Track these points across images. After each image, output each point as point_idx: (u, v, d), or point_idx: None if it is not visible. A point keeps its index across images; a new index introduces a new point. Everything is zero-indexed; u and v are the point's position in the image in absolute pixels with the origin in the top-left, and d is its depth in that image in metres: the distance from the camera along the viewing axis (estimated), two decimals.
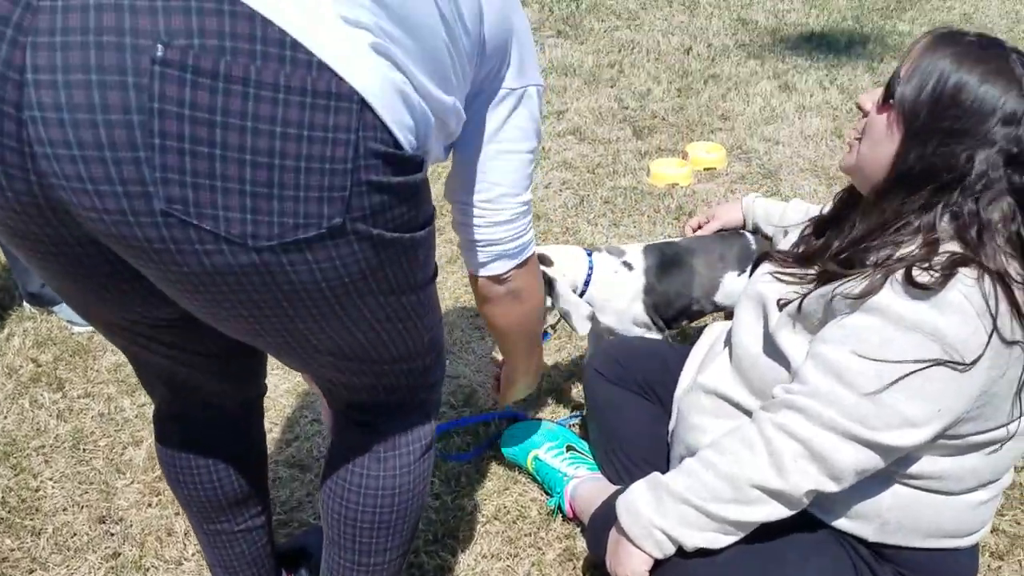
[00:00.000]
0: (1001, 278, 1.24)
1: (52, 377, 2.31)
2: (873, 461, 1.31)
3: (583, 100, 4.21)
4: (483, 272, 1.38)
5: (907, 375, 1.24)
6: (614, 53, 4.94)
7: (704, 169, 3.49)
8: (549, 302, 1.87)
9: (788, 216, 1.91)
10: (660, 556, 1.38)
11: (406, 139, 0.92)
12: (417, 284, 1.09)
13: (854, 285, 1.31)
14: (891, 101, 1.33)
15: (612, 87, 4.42)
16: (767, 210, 1.96)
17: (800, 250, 1.52)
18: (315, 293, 0.94)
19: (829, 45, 5.15)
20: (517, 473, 1.99)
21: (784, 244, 1.64)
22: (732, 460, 1.33)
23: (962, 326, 1.22)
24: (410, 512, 1.31)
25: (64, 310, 2.51)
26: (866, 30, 5.50)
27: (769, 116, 4.06)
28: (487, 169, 1.28)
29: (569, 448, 1.93)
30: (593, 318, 1.92)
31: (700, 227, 2.08)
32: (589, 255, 1.93)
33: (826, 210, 1.58)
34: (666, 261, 1.95)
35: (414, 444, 1.29)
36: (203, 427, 1.36)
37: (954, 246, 1.26)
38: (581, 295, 1.91)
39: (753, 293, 1.51)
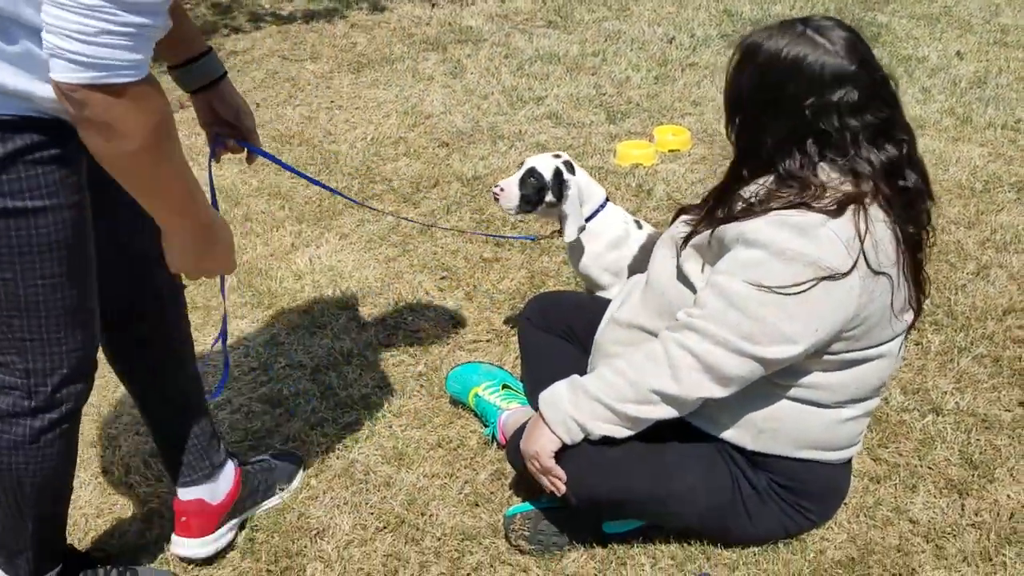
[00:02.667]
0: (875, 213, 1.53)
1: None
2: (757, 371, 1.58)
3: (563, 87, 4.45)
4: (51, 72, 1.15)
5: (787, 297, 1.51)
6: (599, 42, 5.17)
7: (669, 151, 3.73)
8: (550, 197, 2.20)
9: None
10: (568, 442, 1.66)
11: None
12: None
13: (744, 225, 1.57)
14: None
15: (593, 75, 4.65)
16: None
17: (704, 204, 1.78)
18: None
19: None
20: (460, 410, 2.25)
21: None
22: (639, 369, 1.61)
23: (834, 252, 1.50)
24: (12, 487, 1.49)
25: None
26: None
27: None
28: None
29: (504, 387, 2.19)
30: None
31: None
32: (607, 199, 2.25)
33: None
34: None
35: (16, 428, 1.45)
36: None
37: (847, 187, 1.53)
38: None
39: (668, 237, 1.79)
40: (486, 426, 2.16)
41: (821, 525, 1.87)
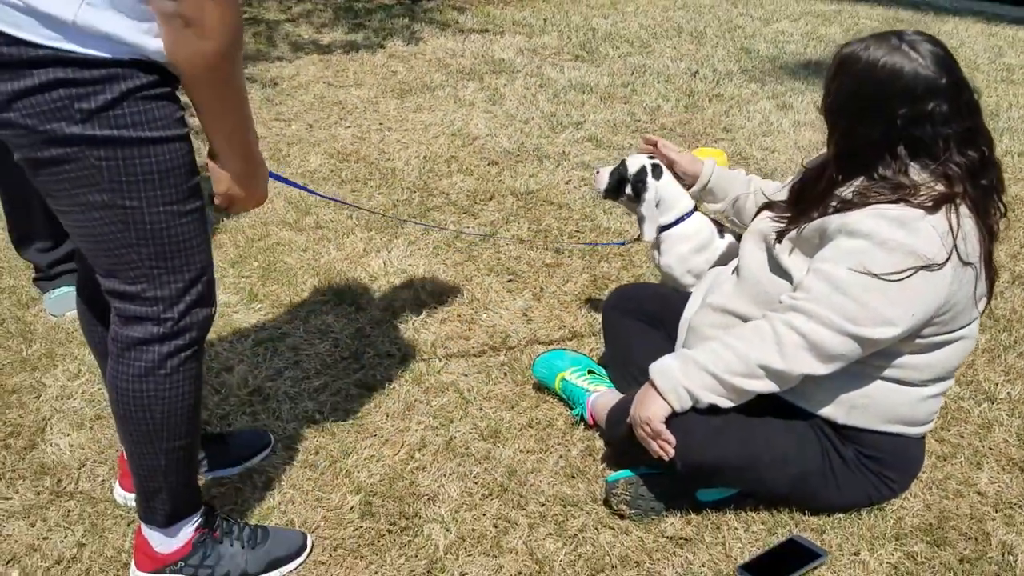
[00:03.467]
0: (964, 211, 1.70)
1: None
2: (856, 351, 1.74)
3: (599, 114, 4.67)
4: None
5: (888, 283, 1.67)
6: (627, 75, 5.41)
7: None
8: (629, 191, 2.37)
9: (737, 186, 2.31)
10: (678, 409, 1.81)
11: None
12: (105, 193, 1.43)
13: (847, 217, 1.73)
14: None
15: (625, 103, 4.87)
16: (725, 178, 2.34)
17: (792, 200, 1.94)
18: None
19: (825, 71, 5.59)
20: (545, 394, 2.40)
21: (778, 197, 2.06)
22: (747, 344, 1.76)
23: (931, 243, 1.66)
24: (144, 417, 1.62)
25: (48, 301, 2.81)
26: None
27: (767, 129, 4.51)
28: None
29: (590, 371, 2.34)
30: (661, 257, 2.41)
31: (654, 146, 2.38)
32: (694, 208, 2.37)
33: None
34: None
35: (146, 355, 1.58)
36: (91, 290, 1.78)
37: (940, 187, 1.69)
38: (667, 227, 2.36)
39: (755, 230, 1.95)
40: (572, 408, 2.30)
41: (899, 495, 2.01)
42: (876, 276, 1.67)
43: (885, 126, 1.70)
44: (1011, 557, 1.88)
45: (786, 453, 1.88)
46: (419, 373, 2.49)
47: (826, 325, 1.70)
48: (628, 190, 2.37)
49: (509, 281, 3.00)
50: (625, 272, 3.06)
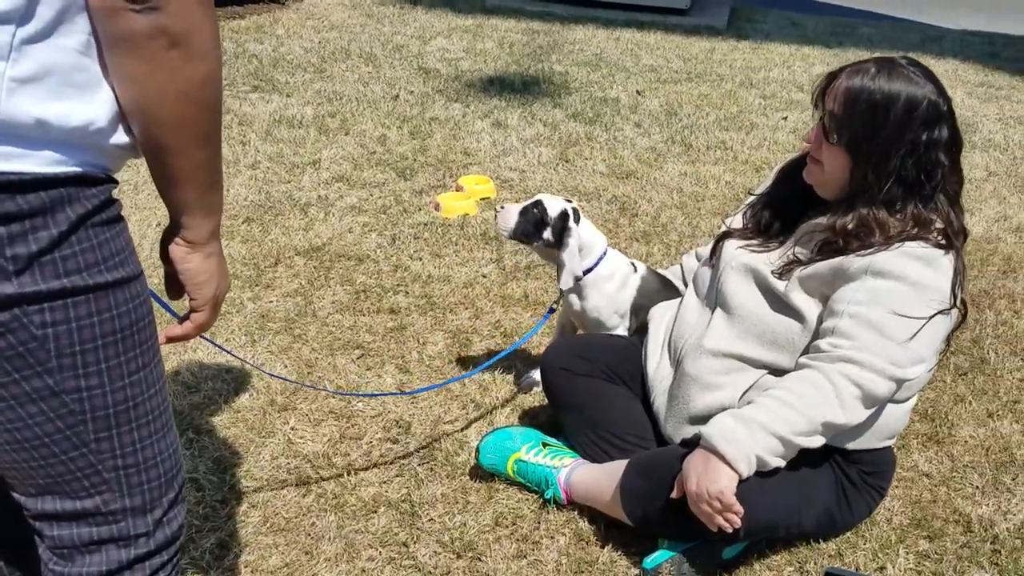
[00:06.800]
0: (961, 243, 1.72)
1: None
2: (894, 393, 1.71)
3: (329, 150, 4.27)
4: None
5: (919, 321, 1.65)
6: (326, 104, 5.02)
7: (481, 199, 3.77)
8: (548, 236, 2.17)
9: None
10: (746, 475, 1.65)
11: None
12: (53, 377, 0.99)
13: (872, 258, 1.67)
14: (832, 140, 1.71)
15: (347, 135, 4.52)
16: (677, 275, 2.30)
17: (762, 225, 1.86)
18: None
19: (510, 87, 5.72)
20: (493, 482, 2.08)
21: (736, 222, 1.97)
22: (808, 401, 1.65)
23: (948, 283, 1.67)
24: None
25: None
26: (531, 72, 6.19)
27: (502, 150, 4.46)
28: None
29: (544, 444, 2.07)
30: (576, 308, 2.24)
31: None
32: (607, 247, 2.23)
33: (762, 190, 1.96)
34: (657, 280, 2.29)
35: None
36: None
37: (940, 223, 1.69)
38: (588, 271, 2.17)
39: (738, 265, 1.83)
40: (542, 490, 2.01)
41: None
42: (912, 318, 1.66)
43: (911, 156, 1.68)
44: (993, 530, 2.02)
45: (814, 494, 1.83)
46: (332, 496, 2.02)
47: (879, 373, 1.65)
48: (547, 235, 2.14)
49: (360, 357, 2.58)
50: (477, 320, 2.79)
